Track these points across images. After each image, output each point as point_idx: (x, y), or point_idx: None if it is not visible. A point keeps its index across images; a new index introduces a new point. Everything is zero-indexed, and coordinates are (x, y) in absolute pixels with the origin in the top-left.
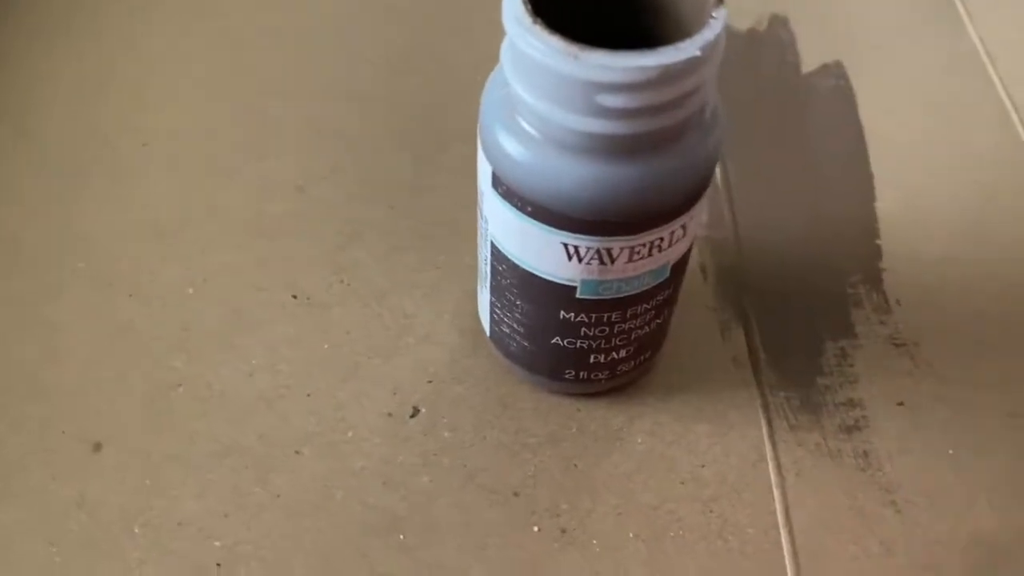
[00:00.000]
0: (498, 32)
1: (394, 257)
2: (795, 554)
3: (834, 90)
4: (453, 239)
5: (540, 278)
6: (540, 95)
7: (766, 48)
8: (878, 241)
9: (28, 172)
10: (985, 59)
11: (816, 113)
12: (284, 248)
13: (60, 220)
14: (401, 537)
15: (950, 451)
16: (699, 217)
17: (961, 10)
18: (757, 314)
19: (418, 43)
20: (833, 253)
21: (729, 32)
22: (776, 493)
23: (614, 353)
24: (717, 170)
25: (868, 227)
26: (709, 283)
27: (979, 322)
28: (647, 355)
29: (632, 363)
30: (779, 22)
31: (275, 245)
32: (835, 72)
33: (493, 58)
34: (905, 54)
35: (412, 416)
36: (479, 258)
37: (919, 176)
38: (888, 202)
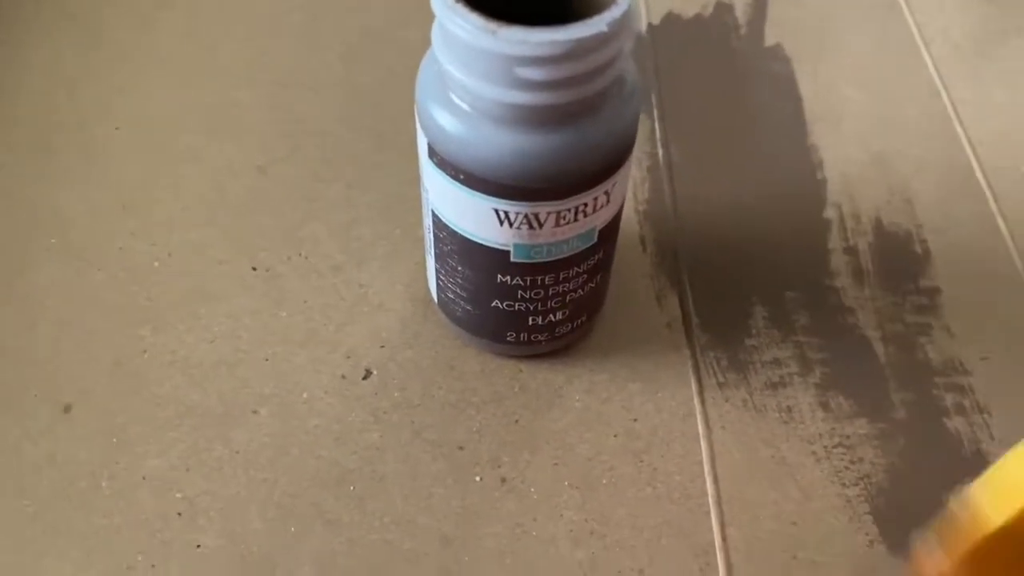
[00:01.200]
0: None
1: (350, 231)
2: (719, 499)
3: (775, 72)
4: (406, 214)
5: (477, 243)
6: (466, 70)
7: (712, 33)
8: (811, 211)
9: (7, 156)
10: (919, 42)
11: (758, 94)
12: (245, 224)
13: (35, 199)
14: (351, 488)
15: (859, 404)
16: (623, 184)
17: None
18: (691, 282)
19: (372, 33)
20: (767, 225)
21: (676, 18)
22: (703, 444)
23: (551, 315)
24: (659, 149)
25: (803, 199)
26: (648, 254)
27: (905, 281)
28: (583, 318)
29: (569, 326)
30: (724, 8)
31: (237, 222)
32: (777, 55)
33: None
34: (844, 37)
35: (364, 378)
36: (424, 227)
37: (854, 150)
38: (824, 174)
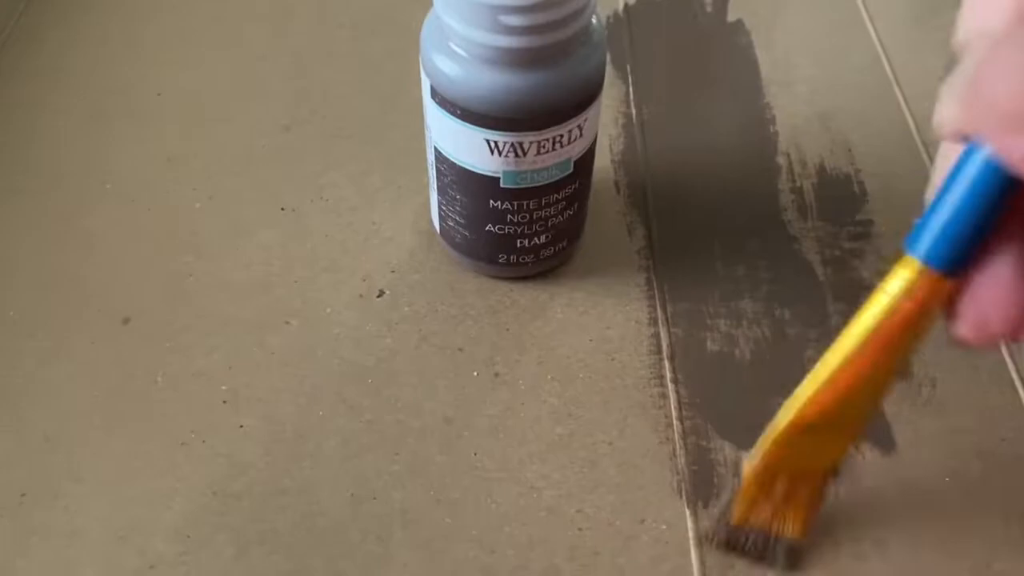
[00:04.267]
0: None
1: (364, 179)
2: (676, 383)
3: (736, 44)
4: (412, 164)
5: (472, 172)
6: (462, 21)
7: (681, 11)
8: (763, 159)
9: (64, 118)
10: (865, 17)
11: (720, 62)
12: (273, 174)
13: (91, 152)
14: (369, 381)
15: (800, 314)
16: (593, 121)
17: None
18: (658, 217)
19: (378, 9)
20: (725, 170)
21: None
22: (664, 344)
23: (536, 239)
24: (633, 110)
25: (757, 148)
26: (621, 195)
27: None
28: (564, 244)
29: (552, 249)
30: None
31: (266, 171)
32: (738, 29)
33: None
34: (798, 14)
35: (378, 296)
36: (427, 164)
37: (803, 108)
38: (776, 128)
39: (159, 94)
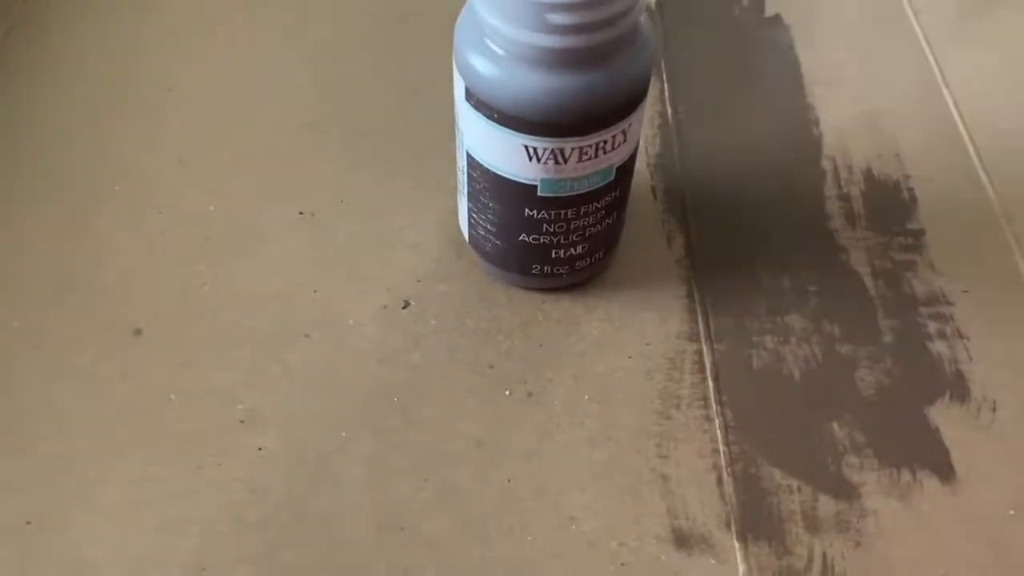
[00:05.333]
0: None
1: (388, 180)
2: (721, 404)
3: (775, 40)
4: (439, 165)
5: (507, 179)
6: (502, 17)
7: (716, 4)
8: (808, 163)
9: (72, 114)
10: (909, 12)
11: (759, 59)
12: (292, 174)
13: (98, 151)
14: (395, 400)
15: (850, 330)
16: (638, 125)
17: None
18: (697, 224)
19: (401, 1)
20: (767, 174)
21: None
22: (708, 363)
23: (572, 249)
24: (668, 109)
25: (800, 152)
26: (658, 201)
27: (893, 224)
28: (601, 254)
29: (588, 260)
30: None
31: (284, 172)
32: (776, 23)
33: None
34: (838, 8)
35: (403, 308)
36: (457, 169)
37: (848, 108)
38: (820, 130)
39: (170, 89)
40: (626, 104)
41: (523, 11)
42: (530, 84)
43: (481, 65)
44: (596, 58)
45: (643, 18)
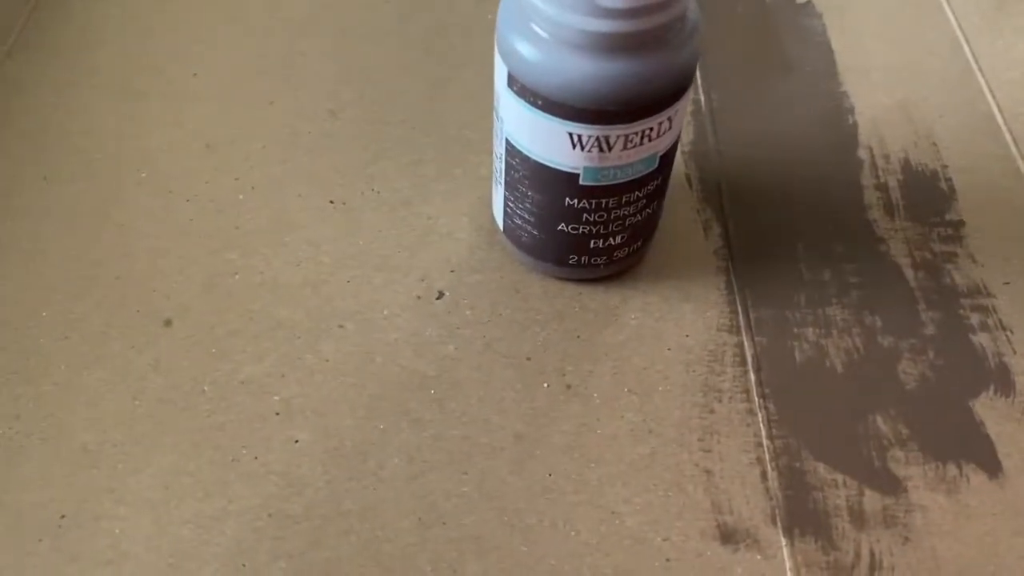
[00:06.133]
0: None
1: (416, 169)
2: (765, 402)
3: (807, 27)
4: (467, 153)
5: (548, 168)
6: (550, 0)
7: None
8: (844, 152)
9: (96, 99)
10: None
11: (791, 47)
12: (320, 162)
13: (123, 137)
14: (432, 392)
15: (892, 322)
16: (682, 113)
17: None
18: (734, 214)
19: None
20: (803, 163)
21: None
22: (749, 355)
23: (611, 239)
24: (702, 96)
25: (836, 140)
26: (694, 190)
27: (932, 215)
28: (639, 244)
29: (626, 250)
30: None
31: (311, 160)
32: (808, 11)
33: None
34: None
35: (438, 298)
36: (494, 157)
37: (883, 97)
38: (855, 118)
39: (195, 74)
40: (674, 91)
41: None
42: (577, 69)
43: (526, 50)
44: (645, 44)
45: (692, 3)
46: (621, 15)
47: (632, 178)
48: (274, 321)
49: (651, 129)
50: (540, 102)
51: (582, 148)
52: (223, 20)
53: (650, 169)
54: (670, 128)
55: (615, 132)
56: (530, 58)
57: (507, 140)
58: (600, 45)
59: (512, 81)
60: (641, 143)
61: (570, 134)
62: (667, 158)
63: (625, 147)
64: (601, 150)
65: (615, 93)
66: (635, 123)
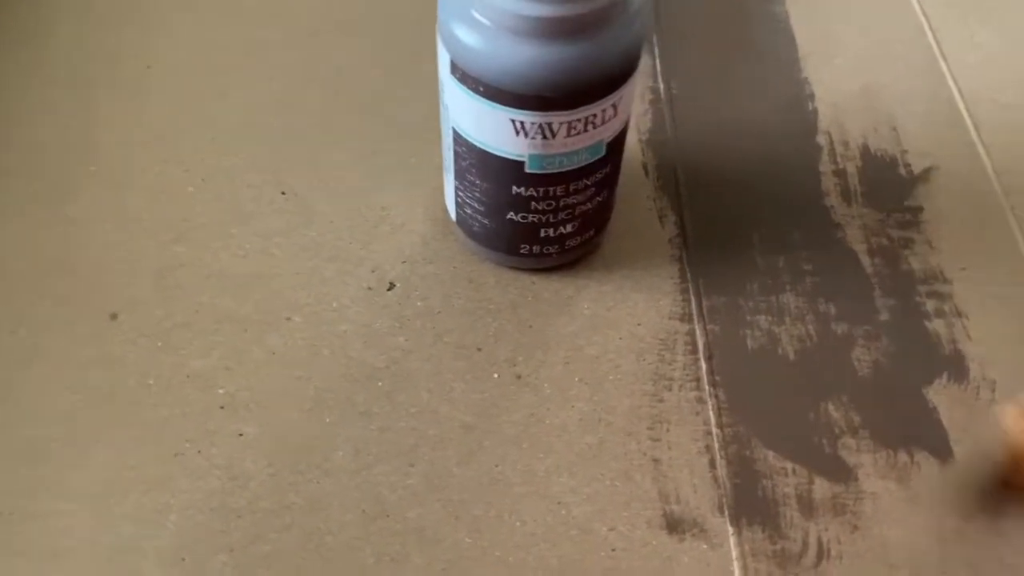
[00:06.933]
0: None
1: (372, 159)
2: (715, 385)
3: (771, 12)
4: (423, 143)
5: (494, 155)
6: None
7: None
8: (803, 138)
9: (46, 90)
10: None
11: (754, 33)
12: (273, 153)
13: (74, 130)
14: (380, 384)
15: (846, 309)
16: (628, 99)
17: None
18: (691, 202)
19: None
20: (762, 150)
21: None
22: (700, 343)
23: (561, 228)
24: (661, 84)
25: (795, 127)
26: (650, 178)
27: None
28: (591, 233)
29: (578, 239)
30: None
31: (265, 150)
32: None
33: None
34: None
35: (389, 289)
36: (443, 146)
37: (845, 83)
38: (815, 105)
39: (149, 66)
40: (616, 77)
41: None
42: (516, 55)
43: (466, 36)
44: (584, 28)
45: None
46: (557, 0)
47: (579, 166)
48: (222, 314)
49: (595, 116)
50: (482, 89)
51: (526, 135)
52: (180, 11)
53: (597, 157)
54: (615, 115)
55: (557, 119)
56: (470, 44)
57: (453, 128)
58: (538, 30)
59: (454, 68)
60: (585, 130)
61: (513, 121)
62: (615, 146)
63: (569, 134)
64: (545, 137)
65: (554, 79)
66: (577, 109)
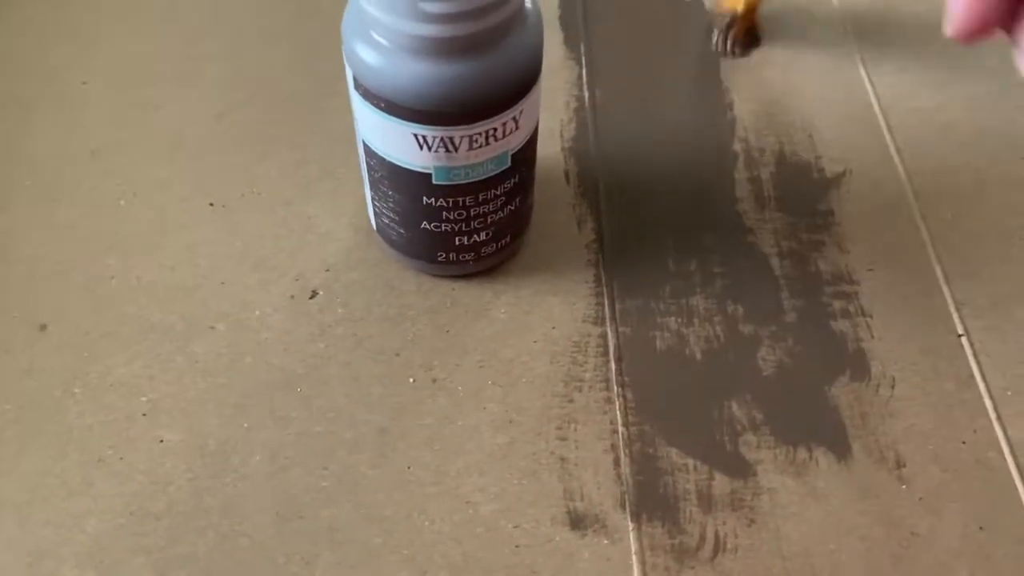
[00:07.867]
0: None
1: (299, 170)
2: (623, 385)
3: (696, 24)
4: (351, 153)
5: (402, 168)
6: (379, 6)
7: None
8: (720, 146)
9: None
10: None
11: (678, 43)
12: (204, 165)
13: (9, 144)
14: (299, 389)
15: (754, 310)
16: (531, 112)
17: None
18: (609, 209)
19: None
20: (680, 158)
21: None
22: (611, 344)
23: (475, 236)
24: (586, 93)
25: (713, 135)
26: (571, 185)
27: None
28: (507, 240)
29: (494, 246)
30: None
31: (197, 163)
32: (697, 6)
33: None
34: None
35: (311, 297)
36: (359, 158)
37: (764, 92)
38: (734, 113)
39: (84, 82)
40: (514, 92)
41: (398, 0)
42: (413, 73)
43: (366, 55)
44: (479, 46)
45: (528, 4)
46: (446, 20)
47: (485, 177)
48: (147, 324)
49: (495, 129)
50: (383, 105)
51: (429, 149)
52: (116, 28)
53: (502, 168)
54: (517, 128)
55: (458, 133)
56: (370, 63)
57: (363, 142)
58: (433, 49)
59: (358, 84)
60: (487, 143)
61: (415, 135)
62: (522, 156)
63: (471, 147)
64: (447, 150)
65: (451, 95)
66: (476, 124)
